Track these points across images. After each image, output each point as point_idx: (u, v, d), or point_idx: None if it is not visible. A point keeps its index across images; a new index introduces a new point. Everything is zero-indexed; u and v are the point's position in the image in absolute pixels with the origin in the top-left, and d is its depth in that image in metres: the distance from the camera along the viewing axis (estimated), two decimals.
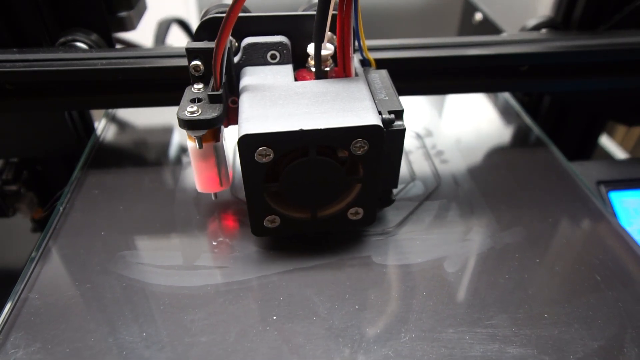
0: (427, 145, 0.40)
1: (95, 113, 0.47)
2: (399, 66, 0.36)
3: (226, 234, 0.31)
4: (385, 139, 0.26)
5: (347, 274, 0.28)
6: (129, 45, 0.56)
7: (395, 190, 0.32)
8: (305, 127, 0.24)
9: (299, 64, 0.31)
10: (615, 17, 0.42)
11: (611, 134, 0.84)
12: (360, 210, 0.29)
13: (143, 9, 0.42)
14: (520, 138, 0.43)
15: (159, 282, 0.28)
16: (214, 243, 0.30)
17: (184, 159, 0.39)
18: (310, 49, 0.28)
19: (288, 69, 0.29)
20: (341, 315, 0.26)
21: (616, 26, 0.42)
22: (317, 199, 0.28)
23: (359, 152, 0.25)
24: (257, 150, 0.24)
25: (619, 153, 0.72)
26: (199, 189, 0.31)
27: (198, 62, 0.28)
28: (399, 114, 0.27)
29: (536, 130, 0.43)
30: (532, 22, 0.44)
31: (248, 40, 0.29)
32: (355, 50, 0.31)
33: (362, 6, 0.29)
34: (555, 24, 0.44)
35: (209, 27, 0.29)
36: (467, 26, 0.63)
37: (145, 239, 0.31)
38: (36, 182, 0.48)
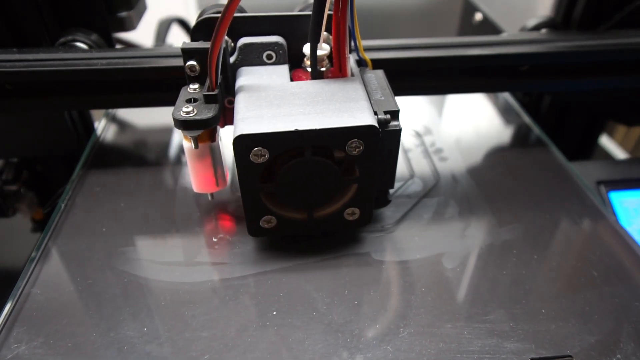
0: (426, 143, 0.40)
1: (95, 113, 0.47)
2: (399, 66, 0.36)
3: (226, 231, 0.31)
4: (381, 140, 0.26)
5: (346, 270, 0.29)
6: (129, 45, 0.56)
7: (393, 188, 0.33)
8: (301, 128, 0.24)
9: (294, 64, 0.31)
10: (615, 17, 0.42)
11: (611, 134, 0.84)
12: (357, 211, 0.29)
13: (143, 9, 0.42)
14: (520, 138, 0.43)
15: (160, 278, 0.28)
16: (214, 240, 0.31)
17: (184, 159, 0.39)
18: (306, 49, 0.28)
19: (284, 69, 0.29)
20: (340, 311, 0.26)
21: (616, 26, 0.42)
22: (313, 200, 0.28)
23: (355, 153, 0.25)
24: (253, 151, 0.24)
25: (619, 153, 0.72)
26: (196, 189, 0.31)
27: (194, 63, 0.28)
28: (394, 114, 0.27)
29: (536, 130, 0.43)
30: (532, 22, 0.44)
31: (244, 40, 0.29)
32: (351, 51, 0.30)
33: (362, 6, 0.29)
34: (555, 24, 0.44)
35: (204, 28, 0.29)
36: (467, 26, 0.63)
37: (145, 236, 0.31)
38: (36, 182, 0.48)
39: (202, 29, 0.29)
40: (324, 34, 0.27)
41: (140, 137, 0.42)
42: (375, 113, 0.26)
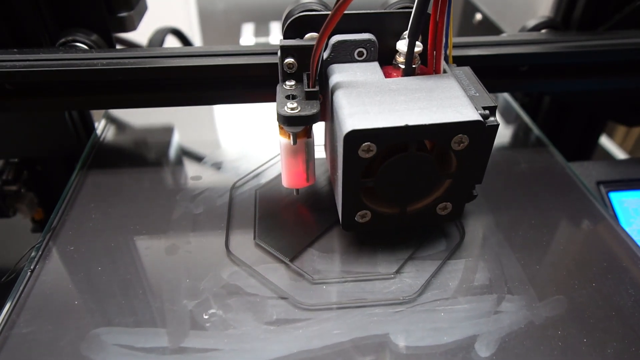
0: None
1: (95, 113, 0.47)
2: None
3: (219, 305, 0.27)
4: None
5: None
6: (129, 45, 0.56)
7: (413, 248, 0.31)
8: (411, 123, 0.24)
9: (379, 61, 0.31)
10: (615, 17, 0.42)
11: (611, 134, 0.84)
12: (449, 205, 0.29)
13: (143, 9, 0.42)
14: (520, 138, 0.43)
15: None
16: (205, 316, 0.26)
17: (184, 160, 0.39)
18: (401, 45, 0.28)
19: (375, 66, 0.30)
20: None
21: (616, 26, 0.42)
22: (409, 195, 0.28)
23: (458, 148, 0.25)
24: (361, 146, 0.25)
25: (619, 153, 0.72)
26: (286, 184, 0.31)
27: (292, 60, 0.28)
28: (492, 110, 0.27)
29: (536, 130, 0.43)
30: (532, 23, 0.44)
31: (337, 37, 0.29)
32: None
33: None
34: (555, 24, 0.44)
35: (296, 26, 0.29)
36: (467, 26, 0.63)
37: (124, 311, 0.26)
38: (36, 182, 0.48)
39: (294, 28, 0.29)
40: None
41: (140, 137, 0.42)
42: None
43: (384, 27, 0.30)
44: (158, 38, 0.53)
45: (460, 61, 0.36)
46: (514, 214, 0.33)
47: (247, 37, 0.75)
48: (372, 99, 0.26)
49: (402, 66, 0.28)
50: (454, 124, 0.25)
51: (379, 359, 0.24)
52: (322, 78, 0.30)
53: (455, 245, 0.31)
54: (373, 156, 0.25)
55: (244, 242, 0.31)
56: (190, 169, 0.38)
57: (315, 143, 0.30)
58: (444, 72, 0.29)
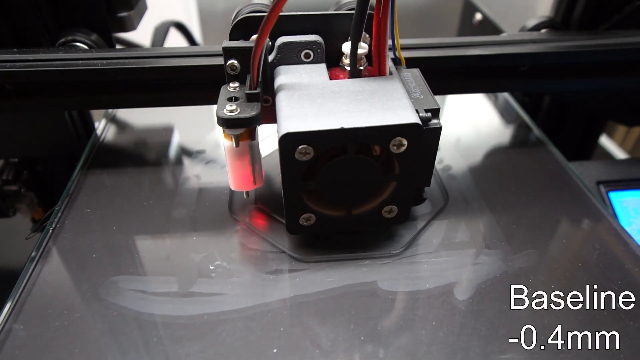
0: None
1: (95, 113, 0.47)
2: None
3: (224, 257, 0.29)
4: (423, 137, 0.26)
5: (351, 302, 0.27)
6: (129, 45, 0.56)
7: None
8: (346, 126, 0.24)
9: (329, 63, 0.31)
10: (615, 17, 0.42)
11: (611, 134, 0.84)
12: (395, 208, 0.29)
13: (143, 9, 0.42)
14: (520, 138, 0.43)
15: (152, 311, 0.26)
16: (211, 267, 0.29)
17: (185, 160, 0.39)
18: (346, 47, 0.28)
19: (322, 67, 0.29)
20: (345, 348, 0.24)
21: (616, 26, 0.42)
22: (353, 197, 0.28)
23: (398, 151, 0.25)
24: (298, 149, 0.24)
25: (619, 153, 0.72)
26: (233, 187, 0.31)
27: (234, 61, 0.28)
28: (435, 112, 0.27)
29: (536, 130, 0.43)
30: (532, 22, 0.44)
31: (283, 39, 0.29)
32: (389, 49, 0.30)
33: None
34: (555, 24, 0.44)
35: (243, 27, 0.29)
36: (467, 26, 0.63)
37: (137, 263, 0.29)
38: (36, 182, 0.48)
39: (240, 28, 0.29)
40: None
41: (140, 137, 0.42)
42: (417, 111, 0.26)
43: (332, 28, 0.30)
44: (162, 31, 0.53)
45: (459, 61, 0.36)
46: (512, 213, 0.33)
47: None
48: (313, 101, 0.26)
49: (348, 68, 0.28)
50: (391, 127, 0.24)
51: (366, 302, 0.27)
52: (269, 80, 0.29)
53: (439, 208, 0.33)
54: (313, 158, 0.25)
55: (246, 205, 0.33)
56: (191, 167, 0.38)
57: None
58: (391, 73, 0.29)
